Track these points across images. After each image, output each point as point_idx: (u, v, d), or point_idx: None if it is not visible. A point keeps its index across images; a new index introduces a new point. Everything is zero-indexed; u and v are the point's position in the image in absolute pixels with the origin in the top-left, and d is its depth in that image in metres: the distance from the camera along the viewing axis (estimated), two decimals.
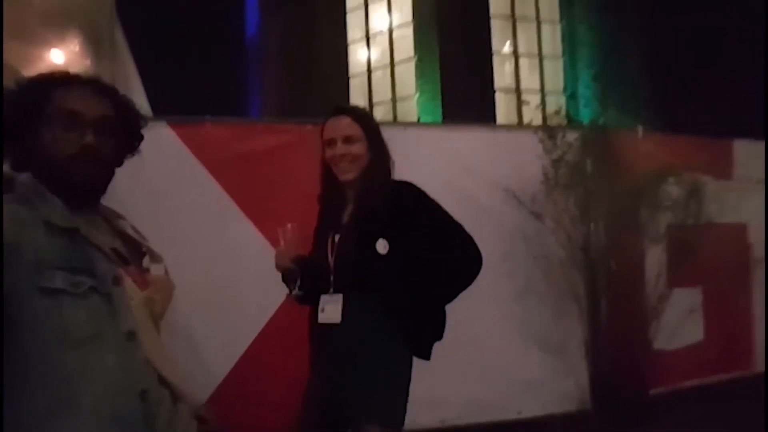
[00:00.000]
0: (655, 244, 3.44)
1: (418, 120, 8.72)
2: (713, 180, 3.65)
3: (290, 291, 1.81)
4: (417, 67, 9.21)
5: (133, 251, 1.11)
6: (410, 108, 9.28)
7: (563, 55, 9.62)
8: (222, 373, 2.68)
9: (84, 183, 1.02)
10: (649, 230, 3.38)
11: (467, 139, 3.31)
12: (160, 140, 2.66)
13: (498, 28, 9.30)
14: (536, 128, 3.39)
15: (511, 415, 3.07)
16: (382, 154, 1.78)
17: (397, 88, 9.51)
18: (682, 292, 3.54)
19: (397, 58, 9.53)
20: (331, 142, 1.73)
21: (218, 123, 2.90)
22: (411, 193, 1.72)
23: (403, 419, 1.65)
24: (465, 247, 1.71)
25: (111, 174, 1.09)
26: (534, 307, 3.18)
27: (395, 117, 9.29)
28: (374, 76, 9.77)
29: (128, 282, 1.03)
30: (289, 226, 1.79)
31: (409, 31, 9.39)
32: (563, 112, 3.69)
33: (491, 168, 3.19)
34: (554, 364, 3.19)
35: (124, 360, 0.95)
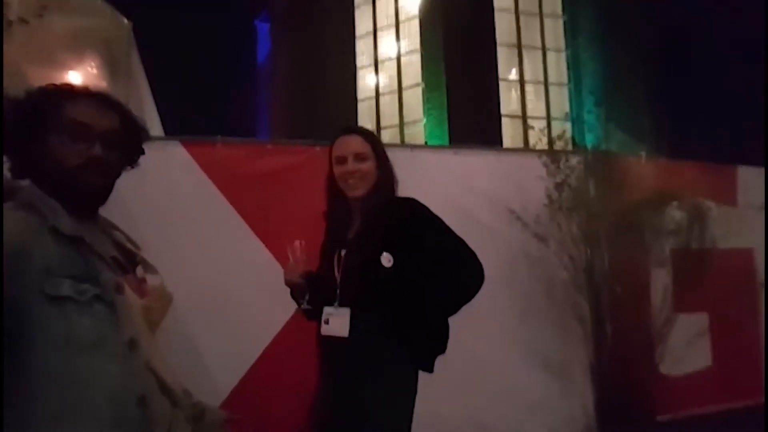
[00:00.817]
0: (659, 267, 3.44)
1: (425, 144, 8.83)
2: (717, 206, 3.67)
3: (299, 305, 1.85)
4: (424, 92, 9.37)
5: (130, 261, 1.13)
6: (417, 132, 9.40)
7: (568, 82, 9.76)
8: (229, 387, 2.69)
9: (88, 193, 1.05)
10: (653, 254, 3.40)
11: (473, 161, 3.37)
12: (173, 159, 2.74)
13: (504, 56, 9.49)
14: (540, 152, 3.45)
15: None
16: (389, 172, 1.83)
17: (405, 113, 9.66)
18: (688, 317, 3.53)
19: (404, 83, 9.71)
20: (341, 160, 1.78)
21: (229, 143, 2.98)
22: (415, 208, 1.77)
23: None
24: (467, 261, 1.75)
25: (112, 185, 1.12)
26: (537, 329, 3.18)
27: (403, 141, 9.41)
28: (382, 101, 9.94)
29: (127, 290, 1.05)
30: (297, 242, 1.84)
31: (416, 58, 9.59)
32: (567, 136, 3.75)
33: (496, 190, 3.24)
34: (558, 386, 3.17)
35: (124, 367, 0.97)
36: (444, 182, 3.14)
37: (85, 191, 1.04)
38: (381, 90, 9.95)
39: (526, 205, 3.21)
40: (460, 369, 2.56)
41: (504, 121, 9.26)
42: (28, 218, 0.97)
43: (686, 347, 3.46)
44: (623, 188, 3.36)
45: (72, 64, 4.42)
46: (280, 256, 2.81)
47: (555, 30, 9.91)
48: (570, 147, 3.70)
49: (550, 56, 9.84)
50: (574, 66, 9.72)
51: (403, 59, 9.78)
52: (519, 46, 9.62)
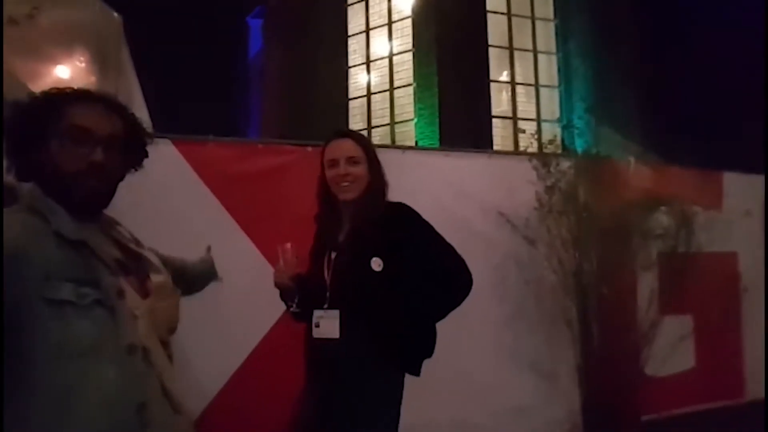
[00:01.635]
0: (647, 271, 3.49)
1: (416, 144, 8.85)
2: (703, 210, 3.73)
3: (288, 308, 1.85)
4: (416, 92, 9.38)
5: (133, 260, 1.12)
6: (408, 132, 9.42)
7: (559, 85, 9.84)
8: (216, 388, 2.68)
9: (90, 197, 1.05)
10: (641, 258, 3.44)
11: (463, 164, 3.38)
12: (164, 157, 2.72)
13: (496, 58, 9.53)
14: (531, 155, 3.47)
15: None
16: (380, 176, 1.84)
17: (396, 113, 9.67)
18: (673, 320, 3.58)
19: (396, 83, 9.71)
20: (333, 163, 1.78)
21: (220, 143, 2.97)
22: (405, 213, 1.78)
23: None
24: (456, 268, 1.76)
25: (115, 189, 1.12)
26: (525, 332, 3.21)
27: (393, 140, 9.42)
28: (373, 100, 9.94)
29: (131, 292, 1.04)
30: (288, 245, 1.84)
31: (408, 57, 9.60)
32: (558, 141, 3.78)
33: (486, 193, 3.26)
34: (546, 389, 3.20)
35: (123, 373, 0.96)
36: (434, 184, 3.15)
37: (86, 196, 1.04)
38: (372, 89, 9.95)
39: (516, 209, 3.23)
40: (449, 371, 2.58)
41: (495, 122, 9.31)
42: (29, 221, 0.97)
43: (671, 349, 3.51)
44: (612, 192, 3.40)
45: (61, 59, 4.37)
46: (271, 256, 2.80)
47: (546, 33, 9.97)
48: (560, 151, 3.73)
49: (542, 59, 9.91)
50: (564, 69, 9.80)
51: (395, 59, 9.78)
52: (510, 49, 9.67)
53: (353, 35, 10.16)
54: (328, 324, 1.70)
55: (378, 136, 9.51)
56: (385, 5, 9.91)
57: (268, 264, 2.73)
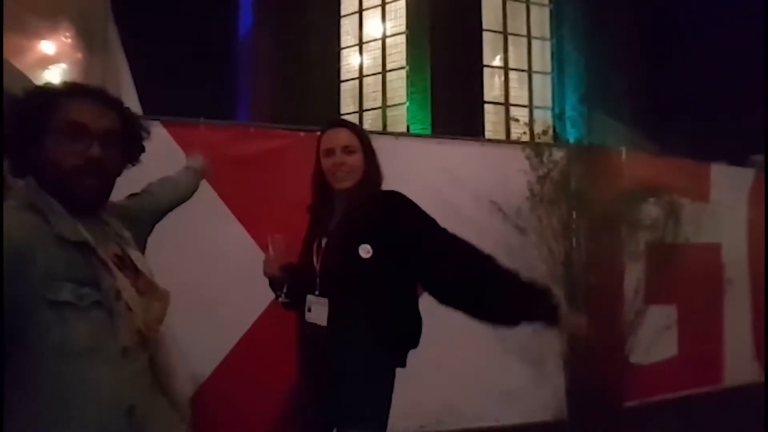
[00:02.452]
0: (634, 261, 3.54)
1: (408, 128, 8.81)
2: (690, 202, 3.78)
3: (277, 297, 1.85)
4: (408, 75, 9.30)
5: (127, 256, 1.12)
6: (400, 115, 9.36)
7: (552, 72, 9.81)
8: (204, 374, 2.69)
9: (87, 194, 1.04)
10: (629, 248, 3.49)
11: (456, 151, 3.38)
12: (154, 140, 2.65)
13: (489, 42, 9.46)
14: (524, 145, 3.48)
15: (489, 423, 3.13)
16: (375, 167, 1.83)
17: (388, 96, 9.59)
18: (658, 309, 3.65)
19: (388, 65, 9.62)
20: (329, 152, 1.78)
21: (212, 125, 2.92)
22: (396, 200, 1.77)
23: (386, 424, 1.68)
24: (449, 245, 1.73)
25: (113, 185, 1.11)
26: None
27: (385, 124, 9.36)
28: (365, 82, 9.84)
29: (128, 288, 1.03)
30: (278, 235, 1.84)
31: (401, 40, 9.49)
32: (551, 131, 3.79)
33: (478, 181, 3.26)
34: (532, 374, 3.26)
35: (116, 375, 0.96)
36: (426, 171, 3.15)
37: (84, 192, 1.03)
38: (365, 71, 9.84)
39: (508, 197, 3.25)
40: (438, 358, 2.62)
41: (486, 107, 9.28)
42: (32, 220, 0.96)
43: (655, 337, 3.59)
44: (603, 183, 3.42)
45: (46, 33, 4.24)
46: (261, 241, 2.78)
47: (541, 19, 9.91)
48: (553, 141, 3.74)
49: (535, 45, 9.86)
50: (558, 55, 9.77)
51: (387, 41, 9.66)
52: (505, 33, 9.60)
53: (346, 15, 10.01)
54: (318, 310, 1.70)
55: (369, 120, 9.44)
56: None
57: (259, 249, 2.72)
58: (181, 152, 2.78)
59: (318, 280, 1.73)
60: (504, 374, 3.18)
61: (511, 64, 9.65)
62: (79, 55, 4.19)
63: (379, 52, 9.74)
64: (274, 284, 1.86)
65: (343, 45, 9.98)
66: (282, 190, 2.81)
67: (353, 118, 8.15)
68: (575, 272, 3.32)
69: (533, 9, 9.87)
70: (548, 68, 9.85)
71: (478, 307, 1.68)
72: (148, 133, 1.19)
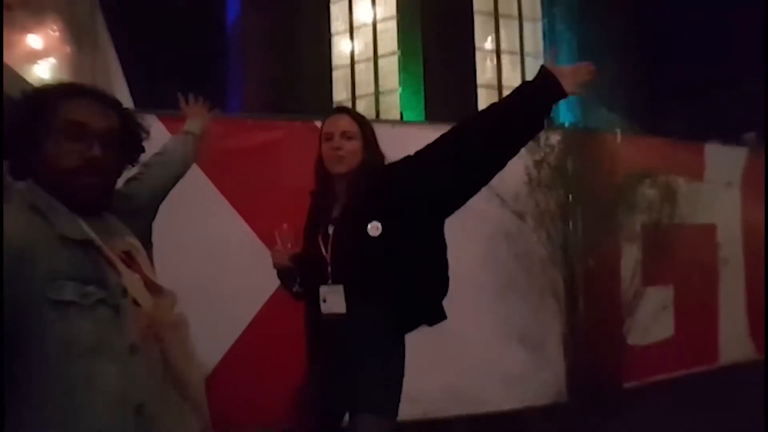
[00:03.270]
0: (631, 243, 3.57)
1: (401, 114, 8.77)
2: (686, 182, 3.80)
3: (291, 289, 1.86)
4: (400, 61, 9.24)
5: (134, 254, 1.10)
6: (393, 101, 9.31)
7: (544, 53, 9.77)
8: (209, 366, 2.70)
9: (89, 194, 1.03)
10: (626, 230, 3.51)
11: None
12: (150, 134, 2.65)
13: (481, 24, 9.39)
14: None
15: (491, 407, 3.17)
16: (376, 154, 1.82)
17: (380, 82, 9.53)
18: (656, 290, 3.69)
19: (380, 51, 9.54)
20: (328, 137, 1.78)
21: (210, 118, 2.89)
22: (398, 165, 1.77)
23: (397, 410, 1.70)
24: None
25: (114, 184, 1.10)
26: (515, 304, 3.28)
27: (377, 110, 9.32)
28: (357, 68, 9.76)
29: (136, 284, 1.03)
30: (285, 226, 1.84)
31: (392, 25, 9.40)
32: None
33: None
34: (533, 358, 3.30)
35: (123, 373, 0.96)
36: None
37: (84, 193, 1.02)
38: (356, 57, 9.76)
39: (506, 183, 3.24)
40: (440, 342, 2.64)
41: (479, 91, 9.25)
42: (32, 220, 0.95)
43: (652, 318, 3.64)
44: (599, 166, 3.43)
45: (32, 27, 4.16)
46: (261, 233, 2.79)
47: (532, 0, 9.84)
48: (549, 125, 3.73)
49: (527, 26, 9.80)
50: (550, 36, 9.72)
51: (379, 26, 9.57)
52: (496, 15, 9.53)
53: (336, 1, 9.89)
54: (333, 299, 1.69)
55: (362, 107, 9.39)
56: None
57: (259, 240, 2.73)
58: None
59: (330, 268, 1.71)
60: (506, 359, 3.21)
61: (503, 47, 9.60)
62: (68, 49, 4.12)
63: (370, 37, 9.65)
64: (286, 276, 1.86)
65: (333, 31, 9.88)
66: (280, 180, 2.80)
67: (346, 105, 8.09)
68: (573, 255, 3.34)
69: None
70: (540, 49, 9.80)
71: (495, 147, 1.78)
72: (148, 133, 1.18)
